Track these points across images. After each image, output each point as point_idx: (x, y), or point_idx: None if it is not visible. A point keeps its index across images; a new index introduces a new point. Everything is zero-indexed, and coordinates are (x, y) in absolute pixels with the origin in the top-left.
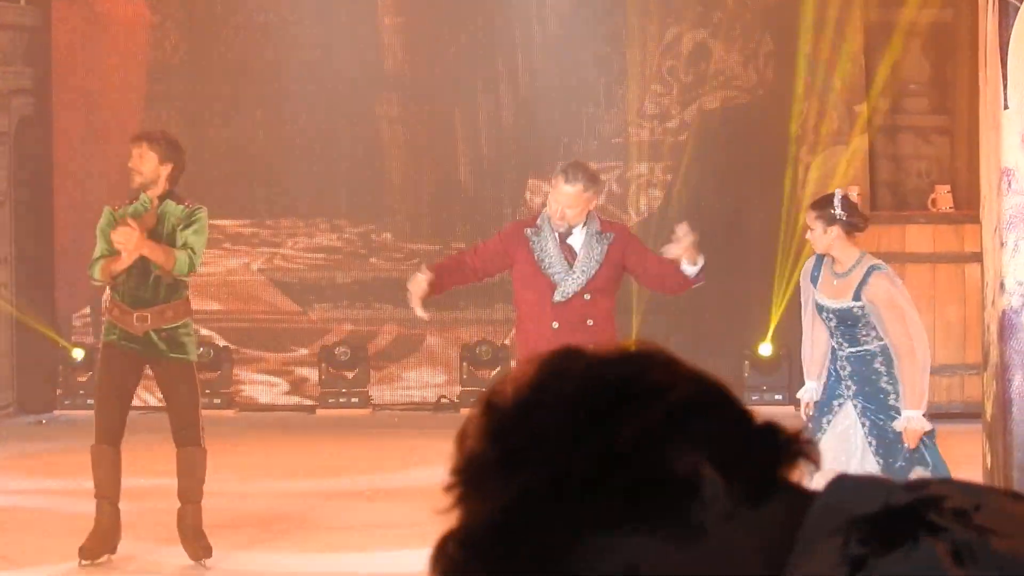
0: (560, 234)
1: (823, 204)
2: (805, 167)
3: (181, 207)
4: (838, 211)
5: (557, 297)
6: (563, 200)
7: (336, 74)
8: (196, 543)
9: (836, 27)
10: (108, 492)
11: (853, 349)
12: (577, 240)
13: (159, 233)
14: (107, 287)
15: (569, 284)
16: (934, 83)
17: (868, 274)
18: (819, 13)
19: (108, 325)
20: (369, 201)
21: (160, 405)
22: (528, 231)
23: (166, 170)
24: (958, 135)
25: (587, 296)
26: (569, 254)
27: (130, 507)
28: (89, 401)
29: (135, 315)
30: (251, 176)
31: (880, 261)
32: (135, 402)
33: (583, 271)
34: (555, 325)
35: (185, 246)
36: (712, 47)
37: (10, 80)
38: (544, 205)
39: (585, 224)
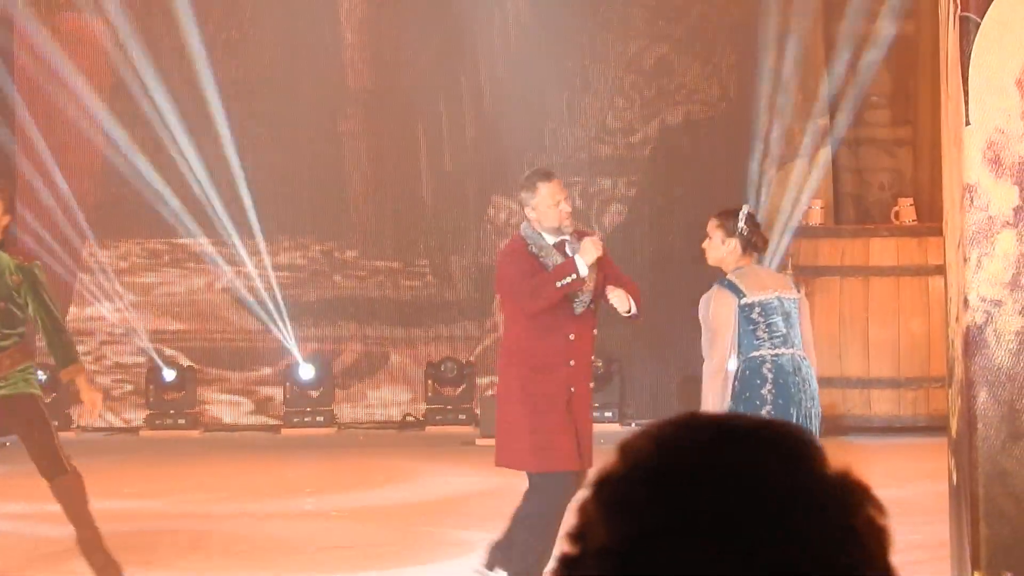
0: (556, 247)
1: (727, 216)
2: (768, 181)
3: (14, 261)
4: (741, 225)
5: (578, 308)
6: (560, 194)
7: (298, 91)
8: (101, 568)
9: (798, 40)
10: None
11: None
12: (571, 250)
13: None
14: None
15: (585, 294)
16: (896, 95)
17: (717, 286)
18: (780, 26)
19: None
20: (332, 219)
21: (122, 426)
22: (532, 248)
23: (4, 221)
24: (920, 147)
25: (592, 304)
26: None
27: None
28: (53, 423)
29: None
30: (214, 194)
31: (734, 279)
32: (97, 423)
33: (590, 279)
34: (571, 336)
35: (56, 332)
36: (674, 61)
37: None
38: (525, 225)
39: (570, 232)
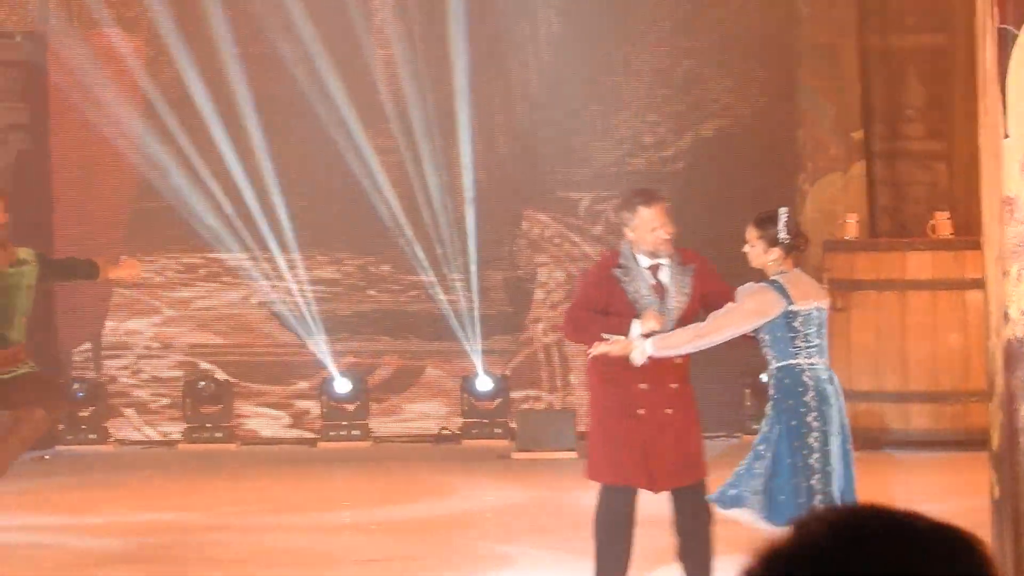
0: (650, 269)
1: (767, 224)
2: (802, 195)
3: (28, 251)
4: (782, 234)
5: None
6: (660, 220)
7: (331, 106)
8: None
9: (831, 53)
10: None
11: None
12: (665, 274)
13: (20, 274)
14: None
15: (666, 322)
16: (930, 108)
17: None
18: (813, 39)
19: None
20: (367, 233)
21: (160, 440)
22: (616, 272)
23: (3, 219)
24: (956, 160)
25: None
26: (659, 290)
27: (127, 542)
28: (91, 436)
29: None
30: (249, 209)
31: (784, 283)
32: (134, 437)
33: (676, 307)
34: (645, 361)
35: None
36: (707, 75)
37: (7, 115)
38: (625, 243)
39: (670, 257)
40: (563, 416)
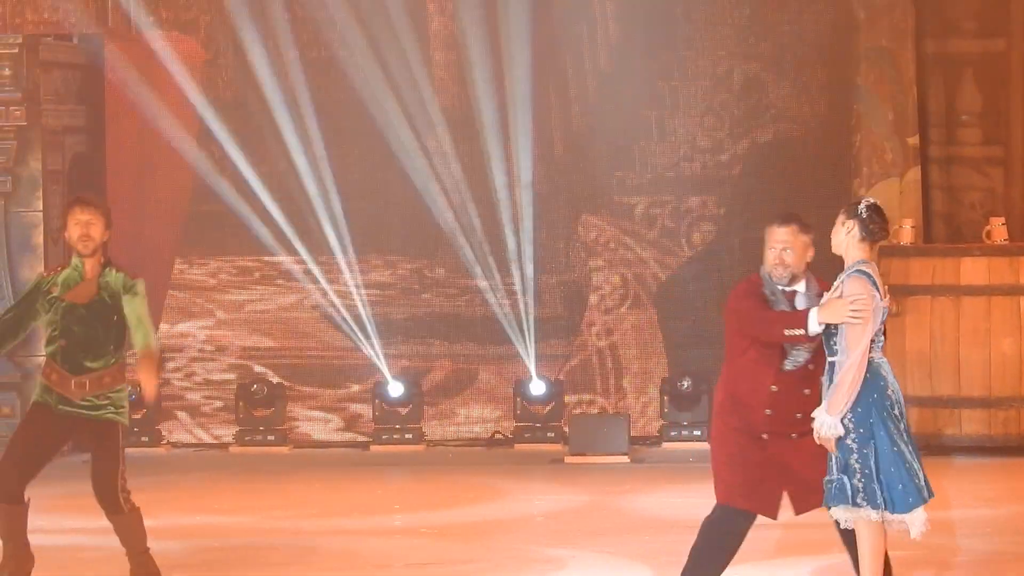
0: (787, 296)
1: (853, 203)
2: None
3: (122, 275)
4: (861, 208)
5: (787, 366)
6: (780, 242)
7: (388, 109)
8: None
9: (888, 58)
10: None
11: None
12: (801, 302)
13: (103, 302)
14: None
15: (799, 354)
16: (987, 113)
17: (848, 274)
18: (871, 44)
19: (43, 387)
20: (422, 237)
21: (212, 442)
22: (766, 289)
23: (106, 237)
24: (1012, 166)
25: (811, 366)
26: None
27: (179, 545)
28: (144, 439)
29: (74, 381)
30: (304, 212)
31: (870, 269)
32: (187, 439)
33: (812, 339)
34: (774, 388)
35: (140, 323)
36: (764, 80)
37: (64, 118)
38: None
39: (807, 285)
40: (616, 420)
